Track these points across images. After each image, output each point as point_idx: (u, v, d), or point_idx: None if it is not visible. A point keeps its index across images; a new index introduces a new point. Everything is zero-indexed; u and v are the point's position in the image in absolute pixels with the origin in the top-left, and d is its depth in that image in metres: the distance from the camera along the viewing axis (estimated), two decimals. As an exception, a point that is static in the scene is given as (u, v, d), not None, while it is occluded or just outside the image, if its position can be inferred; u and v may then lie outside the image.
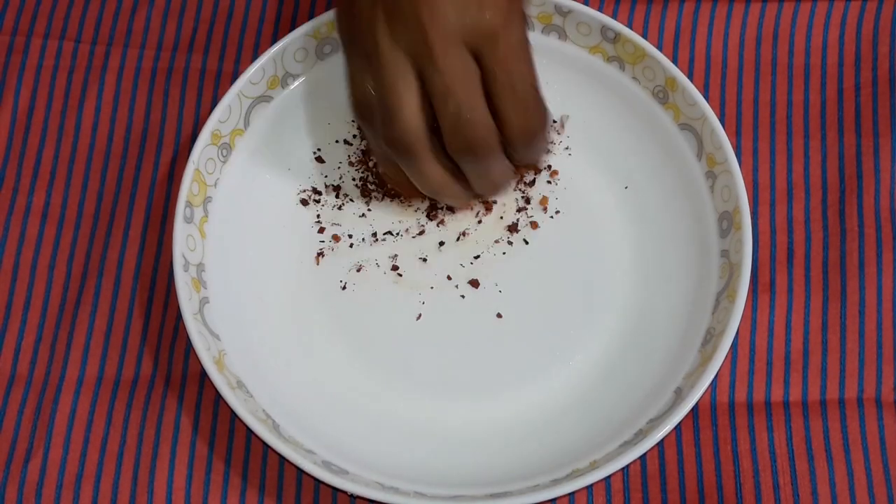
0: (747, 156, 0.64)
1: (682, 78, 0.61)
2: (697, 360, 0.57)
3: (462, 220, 0.63)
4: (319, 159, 0.64)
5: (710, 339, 0.57)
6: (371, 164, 0.64)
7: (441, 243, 0.62)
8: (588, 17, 0.63)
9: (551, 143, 0.64)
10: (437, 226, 0.63)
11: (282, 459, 0.58)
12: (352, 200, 0.63)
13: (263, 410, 0.56)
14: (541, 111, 0.55)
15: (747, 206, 0.58)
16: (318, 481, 0.57)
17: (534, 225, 0.63)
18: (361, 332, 0.60)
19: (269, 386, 0.58)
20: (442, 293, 0.61)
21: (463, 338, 0.60)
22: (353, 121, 0.65)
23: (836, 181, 0.64)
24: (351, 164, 0.64)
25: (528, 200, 0.63)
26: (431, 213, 0.63)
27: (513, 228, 0.63)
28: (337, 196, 0.63)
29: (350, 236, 0.62)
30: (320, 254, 0.62)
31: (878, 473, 0.58)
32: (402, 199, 0.63)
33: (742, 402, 0.59)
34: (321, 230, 0.63)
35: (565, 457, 0.56)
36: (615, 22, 0.62)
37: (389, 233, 0.63)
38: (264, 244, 0.62)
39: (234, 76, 0.65)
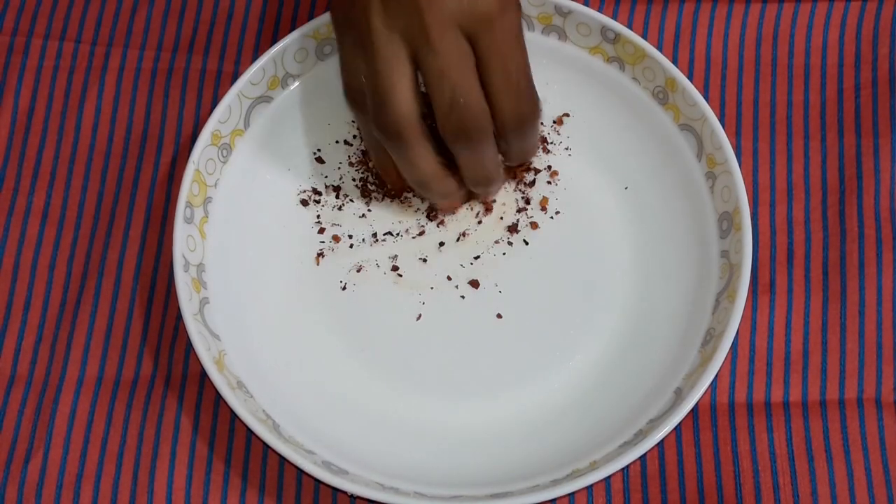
0: (747, 156, 0.64)
1: (682, 78, 0.61)
2: (697, 361, 0.57)
3: (462, 220, 0.63)
4: (319, 159, 0.64)
5: (710, 339, 0.57)
6: (371, 164, 0.64)
7: (441, 244, 0.62)
8: (588, 17, 0.63)
9: (551, 143, 0.64)
10: (437, 226, 0.63)
11: (282, 459, 0.58)
12: (352, 201, 0.63)
13: (263, 410, 0.56)
14: (533, 98, 0.55)
15: (747, 206, 0.59)
16: (318, 481, 0.57)
17: (534, 225, 0.63)
18: (361, 333, 0.60)
19: (269, 386, 0.58)
20: (442, 293, 0.61)
21: (463, 338, 0.60)
22: (353, 121, 0.65)
23: (836, 181, 0.64)
24: (351, 164, 0.64)
25: (528, 201, 0.63)
26: (431, 214, 0.63)
27: (513, 229, 0.63)
28: (337, 196, 0.63)
29: (350, 237, 0.62)
30: (320, 254, 0.62)
31: (877, 474, 0.58)
32: (402, 199, 0.63)
33: (742, 403, 0.59)
34: (321, 230, 0.63)
35: (565, 457, 0.56)
36: (615, 22, 0.62)
37: (389, 233, 0.63)
38: (264, 244, 0.62)
39: (235, 76, 0.65)
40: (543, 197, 0.63)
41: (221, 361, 0.57)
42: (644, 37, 0.66)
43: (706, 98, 0.64)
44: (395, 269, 0.62)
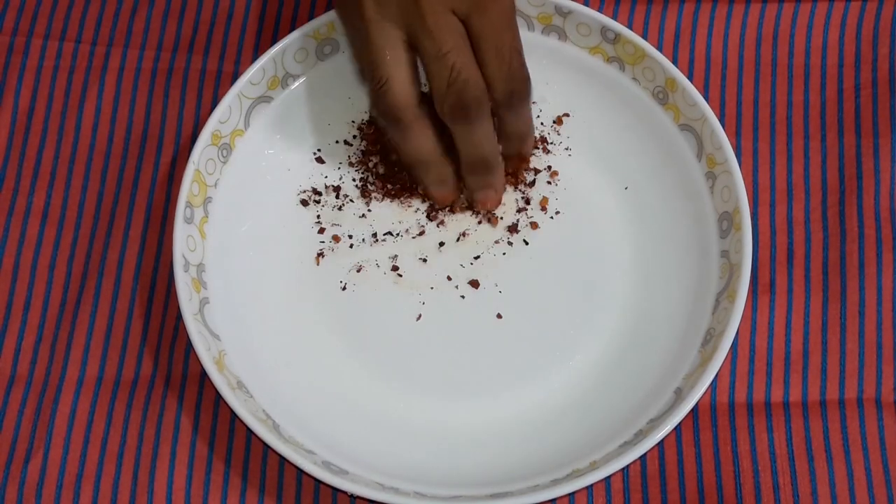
0: (747, 156, 0.64)
1: (681, 78, 0.61)
2: (697, 361, 0.57)
3: (462, 220, 0.63)
4: (319, 160, 0.64)
5: (710, 339, 0.57)
6: (371, 164, 0.64)
7: (441, 244, 0.62)
8: (588, 17, 0.63)
9: (551, 143, 0.64)
10: (437, 226, 0.63)
11: (282, 459, 0.58)
12: (352, 201, 0.63)
13: (263, 410, 0.56)
14: (524, 76, 0.57)
15: (747, 206, 0.59)
16: (318, 481, 0.57)
17: (534, 225, 0.63)
18: (361, 333, 0.60)
19: (269, 386, 0.58)
20: (442, 293, 0.61)
21: (463, 338, 0.60)
22: (353, 121, 0.65)
23: (836, 182, 0.64)
24: (351, 164, 0.64)
25: (528, 201, 0.63)
26: (431, 214, 0.63)
27: (513, 229, 0.63)
28: (337, 196, 0.63)
29: (350, 237, 0.62)
30: (320, 254, 0.62)
31: (877, 474, 0.58)
32: (401, 199, 0.63)
33: (742, 403, 0.59)
34: (321, 230, 0.63)
35: (565, 457, 0.56)
36: (615, 23, 0.62)
37: (389, 233, 0.63)
38: (264, 244, 0.62)
39: (235, 76, 0.65)
40: (543, 197, 0.63)
41: (221, 361, 0.57)
42: (644, 37, 0.66)
43: (706, 98, 0.64)
44: (395, 269, 0.62)
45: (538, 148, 0.64)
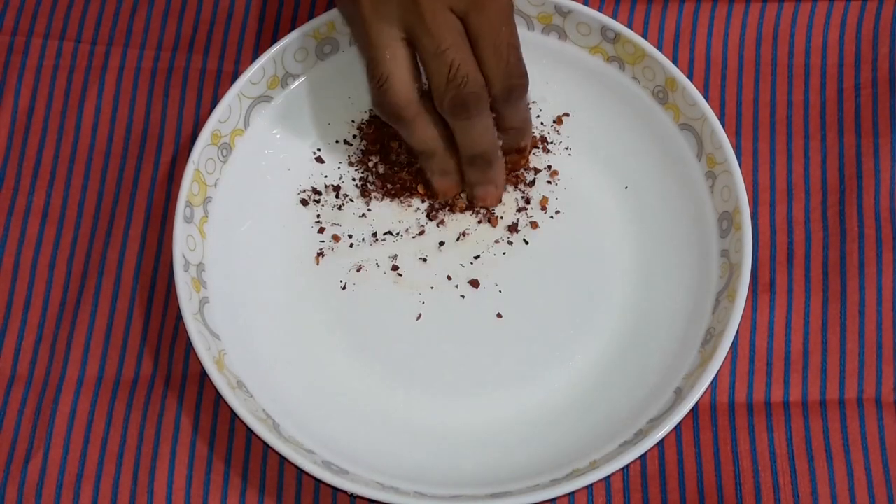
0: (747, 156, 0.64)
1: (681, 78, 0.61)
2: (697, 360, 0.57)
3: (462, 220, 0.63)
4: (319, 159, 0.64)
5: (710, 339, 0.57)
6: (371, 164, 0.64)
7: (441, 243, 0.62)
8: (588, 17, 0.63)
9: (551, 142, 0.64)
10: (437, 226, 0.63)
11: (282, 459, 0.58)
12: (352, 200, 0.63)
13: (263, 410, 0.56)
14: (522, 72, 0.58)
15: (747, 206, 0.59)
16: (318, 481, 0.57)
17: (534, 225, 0.63)
18: (361, 333, 0.60)
19: (269, 386, 0.58)
20: (442, 293, 0.61)
21: (463, 338, 0.60)
22: (353, 121, 0.65)
23: (836, 181, 0.64)
24: (351, 164, 0.64)
25: (528, 200, 0.63)
26: (431, 213, 0.63)
27: (513, 228, 0.63)
28: (337, 196, 0.63)
29: (350, 236, 0.62)
30: (320, 254, 0.62)
31: (877, 473, 0.58)
32: (401, 199, 0.63)
33: (742, 403, 0.59)
34: (321, 230, 0.63)
35: (565, 457, 0.56)
36: (615, 22, 0.62)
37: (389, 233, 0.63)
38: (264, 244, 0.62)
39: (234, 76, 0.65)
40: (543, 196, 0.63)
41: (221, 361, 0.57)
42: (644, 36, 0.66)
43: (706, 98, 0.64)
44: (395, 268, 0.62)
45: (538, 147, 0.64)
